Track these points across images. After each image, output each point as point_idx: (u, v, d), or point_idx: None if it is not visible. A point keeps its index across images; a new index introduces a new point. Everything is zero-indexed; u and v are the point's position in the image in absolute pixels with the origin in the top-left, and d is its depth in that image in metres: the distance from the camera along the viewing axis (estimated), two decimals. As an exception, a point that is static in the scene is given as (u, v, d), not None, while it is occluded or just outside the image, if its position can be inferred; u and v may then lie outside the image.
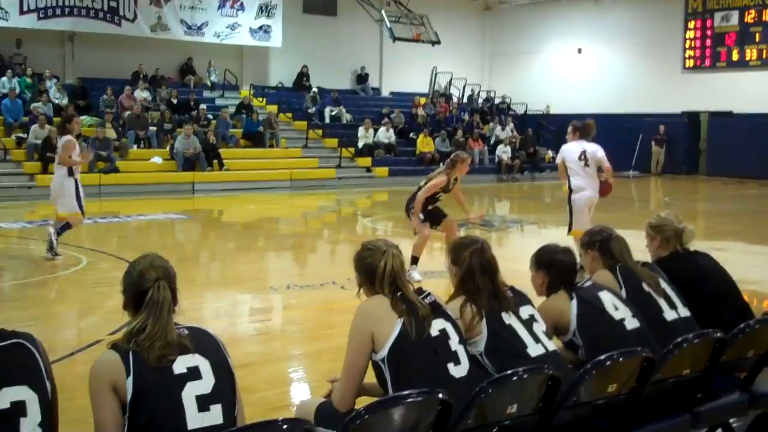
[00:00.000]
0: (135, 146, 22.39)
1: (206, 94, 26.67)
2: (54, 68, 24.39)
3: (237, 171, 22.75)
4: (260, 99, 27.46)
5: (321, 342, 7.08)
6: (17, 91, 22.36)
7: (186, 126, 22.69)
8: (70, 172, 10.58)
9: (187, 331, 2.92)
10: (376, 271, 3.46)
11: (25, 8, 23.51)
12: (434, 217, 9.87)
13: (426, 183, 9.73)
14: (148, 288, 2.90)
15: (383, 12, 27.15)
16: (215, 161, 22.45)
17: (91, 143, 19.79)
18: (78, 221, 10.91)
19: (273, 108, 26.84)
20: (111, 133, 21.58)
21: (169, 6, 25.80)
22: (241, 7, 27.32)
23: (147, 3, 25.40)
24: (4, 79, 22.70)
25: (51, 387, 2.64)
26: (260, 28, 27.75)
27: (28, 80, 23.28)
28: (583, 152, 9.53)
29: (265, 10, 27.75)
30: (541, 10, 32.71)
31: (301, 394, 5.82)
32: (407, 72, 31.43)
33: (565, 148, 9.80)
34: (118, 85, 24.20)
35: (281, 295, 9.15)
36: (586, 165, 9.51)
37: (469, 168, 10.24)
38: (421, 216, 9.65)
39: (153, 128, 23.10)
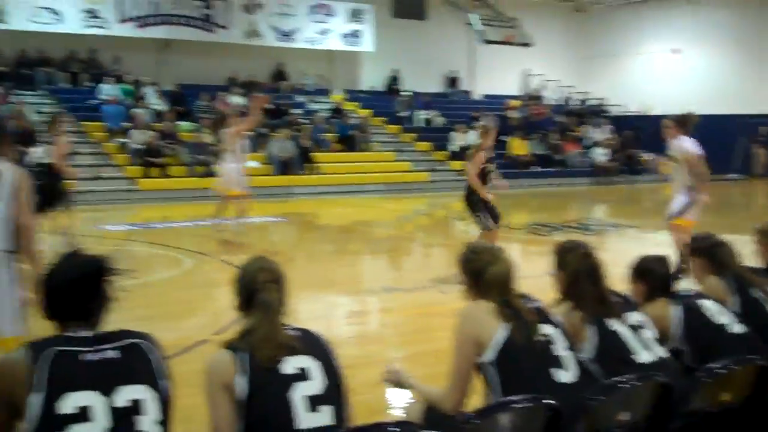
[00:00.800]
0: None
1: (299, 98, 27.07)
2: (151, 75, 25.12)
3: (331, 175, 23.03)
4: (352, 103, 27.70)
5: (419, 345, 7.10)
6: (118, 97, 23.12)
7: (280, 131, 23.08)
8: None
9: (296, 333, 2.99)
10: (485, 275, 3.46)
11: (124, 17, 24.33)
12: (494, 214, 9.87)
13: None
14: (258, 290, 2.98)
15: (473, 15, 27.06)
16: (309, 165, 22.78)
17: (190, 148, 20.30)
18: None
19: (365, 112, 27.07)
20: (207, 138, 22.09)
21: (261, 13, 26.34)
22: (332, 13, 27.67)
23: (240, 11, 26.00)
24: (106, 86, 23.50)
25: (168, 386, 2.73)
26: (351, 32, 28.06)
27: (128, 87, 24.05)
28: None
29: (355, 15, 28.03)
30: (635, 10, 32.10)
31: (402, 397, 5.85)
32: (498, 74, 31.24)
33: (684, 143, 9.25)
34: (212, 91, 24.78)
35: (378, 298, 9.22)
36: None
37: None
38: (485, 213, 9.69)
39: (249, 133, 23.45)
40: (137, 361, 2.68)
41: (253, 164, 22.22)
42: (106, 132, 22.21)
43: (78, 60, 24.75)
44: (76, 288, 2.72)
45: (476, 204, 9.80)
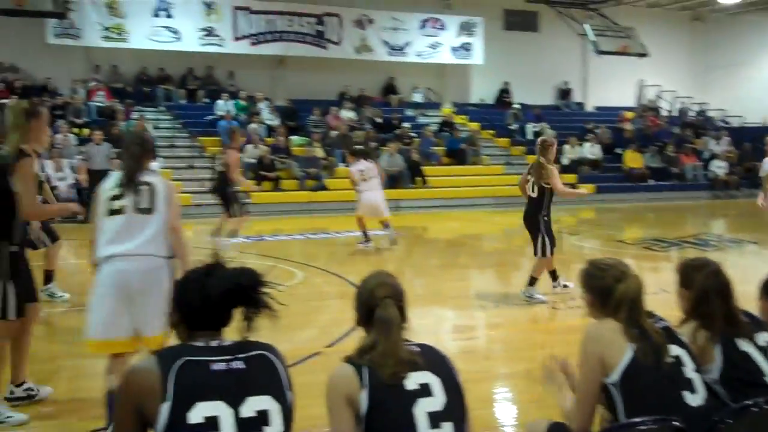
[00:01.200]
0: (342, 164, 23.08)
1: (408, 112, 27.17)
2: (265, 91, 25.66)
3: (440, 188, 22.99)
4: (462, 116, 27.63)
5: (531, 362, 6.96)
6: (233, 113, 23.71)
7: (390, 144, 23.22)
8: None
9: (417, 348, 2.96)
10: (613, 293, 3.33)
11: (239, 35, 24.98)
12: (552, 239, 9.41)
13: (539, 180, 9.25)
14: (378, 306, 2.96)
15: (587, 25, 26.63)
16: (418, 178, 22.82)
17: (301, 162, 20.60)
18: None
19: (475, 125, 26.94)
20: (319, 152, 22.41)
21: (372, 28, 26.60)
22: (442, 27, 27.70)
23: (351, 26, 26.32)
24: (220, 102, 24.16)
25: (292, 398, 2.73)
26: (461, 46, 28.02)
27: (242, 103, 24.63)
28: None
29: (465, 28, 27.98)
30: (755, 19, 30.90)
31: (513, 414, 5.75)
32: (612, 86, 30.61)
33: None
34: (324, 105, 25.13)
35: (486, 313, 9.10)
36: None
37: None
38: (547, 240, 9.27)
39: (358, 147, 23.72)
40: (264, 371, 2.69)
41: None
42: (221, 147, 22.75)
43: (195, 77, 25.52)
44: (221, 300, 2.69)
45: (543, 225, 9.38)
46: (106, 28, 23.47)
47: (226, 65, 25.58)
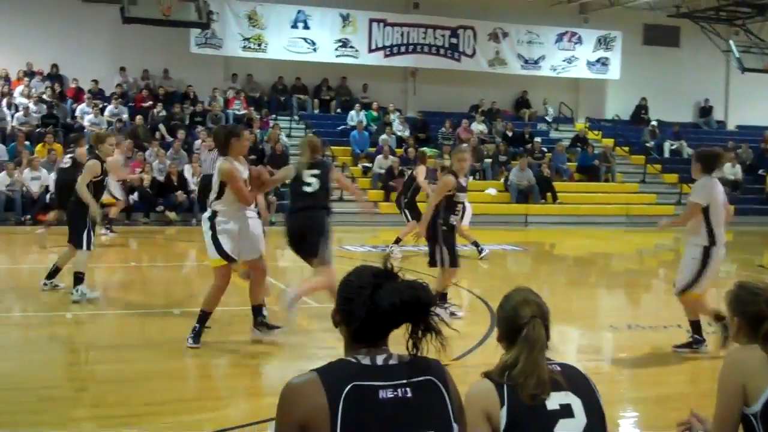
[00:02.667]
0: (471, 177, 22.95)
1: (541, 127, 26.80)
2: (397, 102, 25.83)
3: (571, 205, 22.52)
4: (596, 132, 27.03)
5: (665, 387, 6.68)
6: (364, 123, 23.96)
7: (521, 159, 22.95)
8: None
9: (559, 368, 2.87)
10: (766, 319, 3.12)
11: (373, 47, 25.25)
12: (454, 256, 8.86)
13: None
14: (522, 325, 2.86)
15: (731, 42, 25.60)
16: (549, 194, 22.44)
17: (431, 174, 20.57)
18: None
19: (609, 141, 26.32)
20: (448, 164, 22.33)
21: (506, 41, 26.41)
22: (579, 41, 27.22)
23: (486, 39, 26.20)
24: (353, 112, 24.46)
25: (459, 430, 2.57)
26: (598, 60, 27.47)
27: (374, 114, 24.87)
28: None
29: (603, 42, 27.41)
30: None
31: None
32: (757, 104, 29.29)
33: (706, 184, 7.49)
34: (456, 118, 25.07)
35: (615, 335, 8.79)
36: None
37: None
38: (446, 251, 8.73)
39: (488, 160, 23.63)
40: (431, 402, 2.53)
41: (490, 191, 22.29)
42: (352, 156, 23.09)
43: (329, 87, 25.93)
44: (390, 314, 2.52)
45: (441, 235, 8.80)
46: (246, 39, 24.16)
47: (360, 76, 25.88)
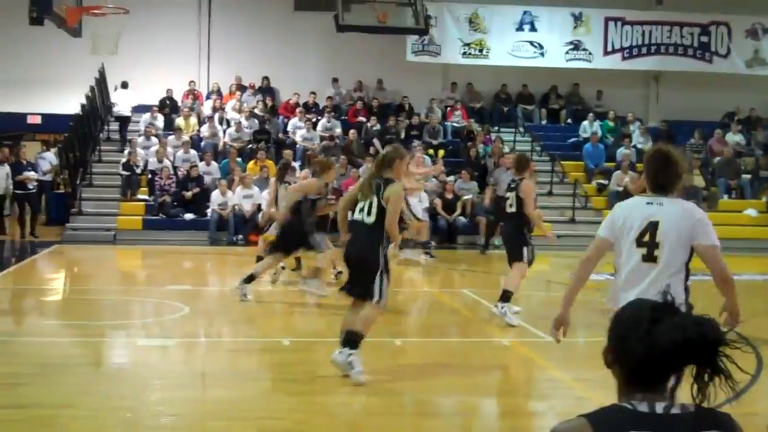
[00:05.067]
0: (726, 196, 21.96)
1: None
2: (637, 111, 25.13)
3: None
4: None
5: None
6: (599, 135, 23.43)
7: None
8: None
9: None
10: None
11: (609, 49, 24.71)
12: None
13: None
14: None
15: None
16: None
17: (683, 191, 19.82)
18: None
19: None
20: (699, 181, 21.45)
21: (767, 38, 25.07)
22: None
23: (742, 36, 25.06)
24: (585, 123, 23.99)
25: None
26: None
27: (610, 124, 24.28)
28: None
29: None
30: None
31: None
32: None
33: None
34: (707, 128, 24.07)
35: None
36: None
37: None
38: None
39: (746, 176, 22.50)
40: None
41: (750, 212, 21.23)
42: (585, 171, 22.62)
43: (558, 95, 25.61)
44: (670, 353, 2.38)
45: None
46: (466, 44, 24.34)
47: (593, 82, 25.40)
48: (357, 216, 7.24)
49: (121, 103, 23.31)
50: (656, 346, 2.35)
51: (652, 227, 4.81)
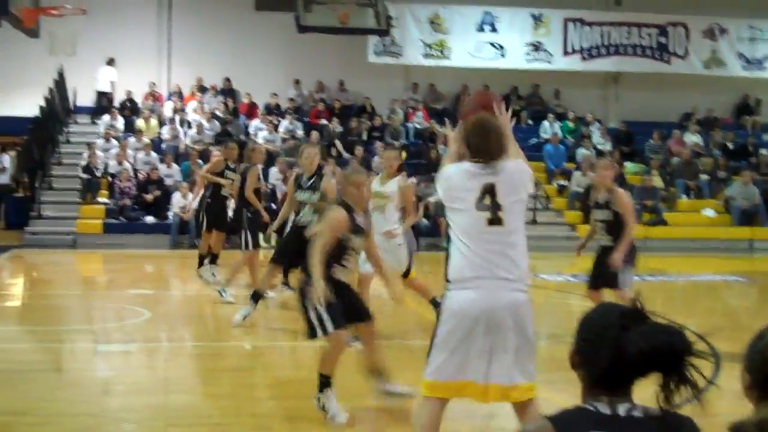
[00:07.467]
0: (684, 196, 22.24)
1: (767, 137, 25.58)
2: (596, 112, 25.37)
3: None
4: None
5: None
6: (559, 136, 23.64)
7: (743, 174, 22.00)
8: None
9: None
10: None
11: (568, 50, 24.92)
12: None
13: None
14: None
15: None
16: (778, 215, 21.38)
17: (637, 193, 20.07)
18: None
19: None
20: (658, 182, 21.71)
21: (724, 39, 25.46)
22: (814, 35, 25.85)
23: (700, 37, 25.40)
24: (546, 124, 24.19)
25: None
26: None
27: (570, 124, 24.49)
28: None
29: None
30: None
31: None
32: None
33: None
34: (666, 128, 24.35)
35: None
36: None
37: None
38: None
39: (704, 176, 22.79)
40: None
41: (707, 213, 21.49)
42: (546, 173, 22.80)
43: (518, 96, 25.78)
44: (637, 361, 2.40)
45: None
46: (428, 45, 24.44)
47: (553, 83, 25.61)
48: None
49: (103, 79, 23.35)
50: (624, 354, 2.38)
51: None
